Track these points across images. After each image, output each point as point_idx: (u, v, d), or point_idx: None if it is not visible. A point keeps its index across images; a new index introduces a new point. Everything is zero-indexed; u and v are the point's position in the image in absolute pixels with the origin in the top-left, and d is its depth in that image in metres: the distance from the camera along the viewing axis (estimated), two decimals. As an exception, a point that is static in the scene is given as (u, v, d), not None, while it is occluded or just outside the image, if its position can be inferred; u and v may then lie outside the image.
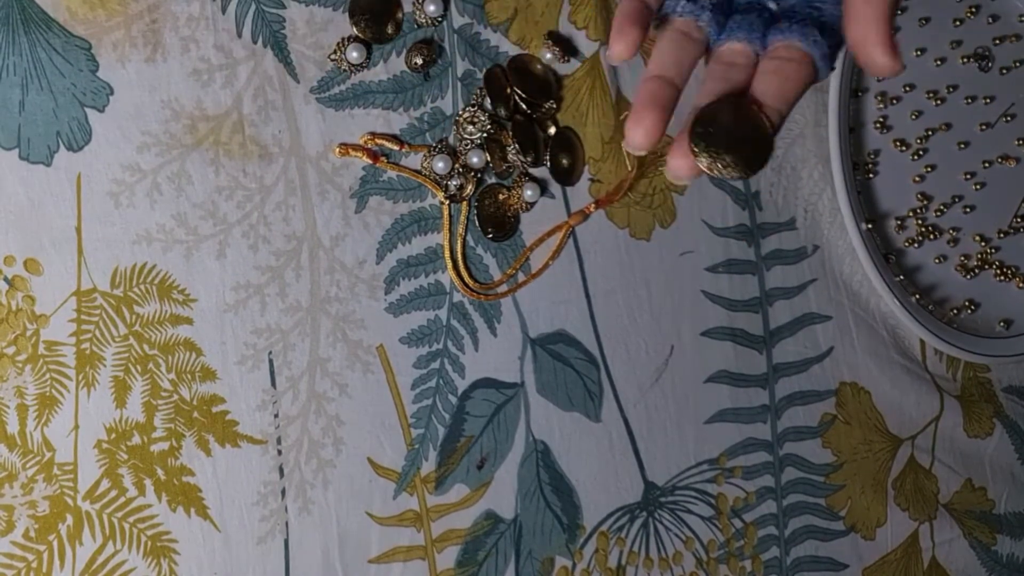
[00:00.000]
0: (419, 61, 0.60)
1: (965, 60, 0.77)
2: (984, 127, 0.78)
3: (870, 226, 0.73)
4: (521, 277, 0.65)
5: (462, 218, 0.63)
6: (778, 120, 0.46)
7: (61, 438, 0.55)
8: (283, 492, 0.60)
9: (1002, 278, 0.79)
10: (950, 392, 0.78)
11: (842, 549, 0.75)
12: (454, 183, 0.62)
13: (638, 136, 0.45)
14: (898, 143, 0.76)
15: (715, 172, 0.45)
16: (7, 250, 0.54)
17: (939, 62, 0.77)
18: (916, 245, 0.76)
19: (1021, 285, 0.80)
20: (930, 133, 0.76)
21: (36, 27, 0.53)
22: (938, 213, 0.77)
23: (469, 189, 0.62)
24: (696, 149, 0.45)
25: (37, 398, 0.55)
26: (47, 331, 0.55)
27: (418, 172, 0.62)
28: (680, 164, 0.46)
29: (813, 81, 0.47)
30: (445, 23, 0.62)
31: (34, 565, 0.55)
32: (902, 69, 0.45)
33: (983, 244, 0.78)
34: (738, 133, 0.45)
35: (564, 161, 0.65)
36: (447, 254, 0.63)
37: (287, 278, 0.59)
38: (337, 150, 0.60)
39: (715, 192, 0.70)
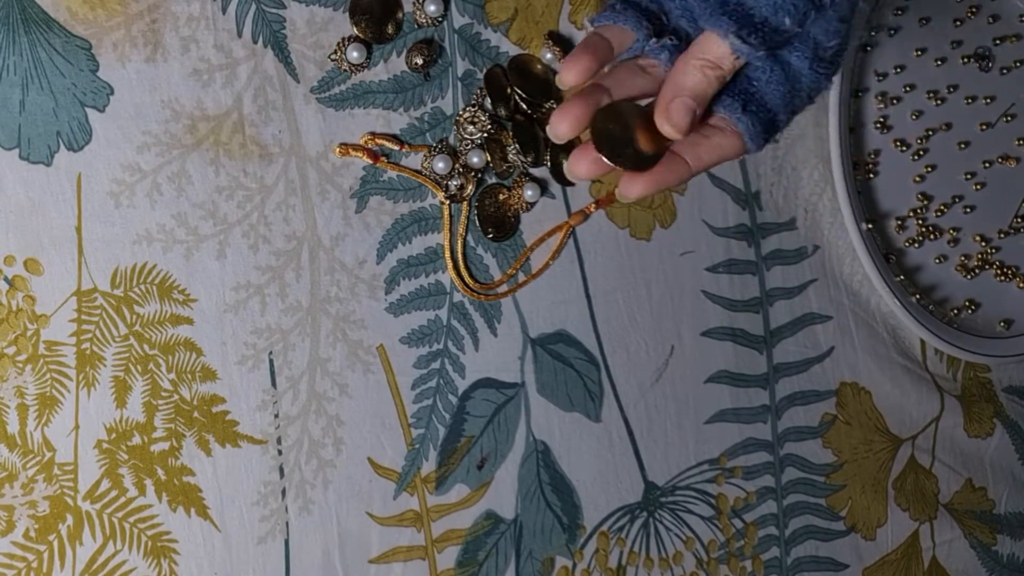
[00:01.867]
0: (419, 61, 0.60)
1: (965, 60, 0.77)
2: (984, 127, 0.78)
3: (870, 226, 0.72)
4: (521, 277, 0.65)
5: (462, 218, 0.63)
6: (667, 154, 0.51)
7: (61, 438, 0.55)
8: (283, 492, 0.60)
9: (1002, 278, 0.79)
10: (950, 392, 0.78)
11: (842, 549, 0.75)
12: (454, 183, 0.62)
13: (570, 73, 0.50)
14: (898, 143, 0.76)
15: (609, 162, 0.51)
16: (7, 250, 0.54)
17: (939, 62, 0.77)
18: (916, 245, 0.76)
19: (1021, 285, 0.80)
20: (930, 133, 0.76)
21: (36, 27, 0.53)
22: (938, 213, 0.77)
23: (469, 189, 0.62)
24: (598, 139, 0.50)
25: (37, 398, 0.55)
26: (47, 331, 0.55)
27: (418, 172, 0.62)
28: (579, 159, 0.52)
29: (739, 154, 0.53)
30: (445, 23, 0.62)
31: (34, 565, 0.55)
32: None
33: (983, 244, 0.78)
34: (627, 137, 0.51)
35: (564, 161, 0.65)
36: (447, 254, 0.63)
37: (287, 278, 0.59)
38: (337, 150, 0.60)
39: (715, 192, 0.70)
